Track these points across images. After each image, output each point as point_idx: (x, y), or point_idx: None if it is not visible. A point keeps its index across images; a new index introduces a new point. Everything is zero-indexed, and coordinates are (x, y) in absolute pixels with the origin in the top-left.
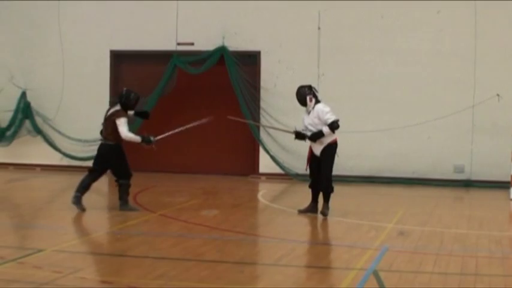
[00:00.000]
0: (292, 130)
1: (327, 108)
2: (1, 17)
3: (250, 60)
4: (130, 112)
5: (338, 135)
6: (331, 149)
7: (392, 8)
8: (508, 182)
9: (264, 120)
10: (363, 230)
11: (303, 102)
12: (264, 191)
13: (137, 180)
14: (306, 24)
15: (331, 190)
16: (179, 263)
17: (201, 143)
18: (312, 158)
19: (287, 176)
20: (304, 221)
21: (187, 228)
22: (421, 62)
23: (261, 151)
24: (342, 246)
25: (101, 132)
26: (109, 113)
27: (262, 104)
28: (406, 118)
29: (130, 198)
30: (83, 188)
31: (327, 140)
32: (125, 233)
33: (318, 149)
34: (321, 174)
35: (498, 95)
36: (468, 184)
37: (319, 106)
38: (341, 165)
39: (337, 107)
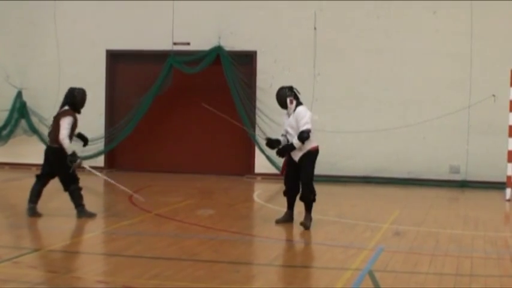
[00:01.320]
0: (265, 136)
1: (307, 114)
2: None
3: (246, 60)
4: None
5: (335, 134)
6: (310, 156)
7: (388, 9)
8: (503, 183)
9: (259, 120)
10: (359, 230)
11: (283, 104)
12: (260, 191)
13: (133, 180)
14: (302, 24)
15: (313, 199)
16: (174, 262)
17: (197, 143)
18: (289, 163)
19: (282, 176)
20: (299, 221)
21: (182, 228)
22: (417, 63)
23: (257, 151)
24: (337, 246)
25: (49, 134)
26: (56, 114)
27: (258, 104)
28: (401, 118)
29: (126, 199)
30: (35, 196)
31: (306, 147)
32: (120, 232)
33: (296, 155)
34: (301, 182)
35: (494, 95)
36: (464, 185)
37: (300, 109)
38: (336, 165)
39: (332, 107)
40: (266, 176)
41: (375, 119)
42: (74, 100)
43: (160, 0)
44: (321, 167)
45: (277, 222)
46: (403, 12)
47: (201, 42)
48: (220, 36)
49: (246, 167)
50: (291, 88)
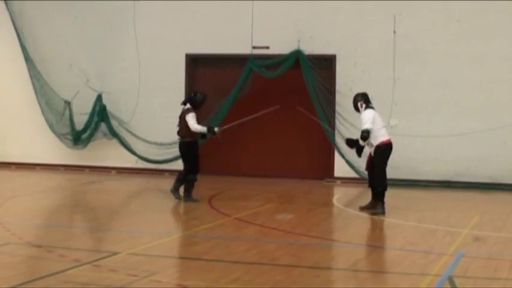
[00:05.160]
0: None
1: (367, 116)
2: (77, 21)
3: (326, 64)
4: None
5: (415, 138)
6: (379, 151)
7: (468, 12)
8: None
9: (339, 124)
10: (439, 236)
11: (355, 108)
12: (339, 195)
13: (212, 184)
14: (381, 28)
15: (382, 188)
16: (254, 267)
17: (276, 147)
18: (370, 158)
19: (362, 180)
20: (379, 225)
21: (262, 232)
22: (497, 66)
23: (336, 155)
24: (417, 251)
25: (178, 133)
26: (181, 113)
27: (338, 108)
28: (482, 122)
29: (205, 202)
30: (178, 180)
31: (375, 142)
32: (200, 236)
33: (371, 150)
34: (373, 174)
35: None
36: None
37: (364, 112)
38: (417, 170)
39: (412, 111)
40: (346, 180)
41: (455, 123)
42: (195, 101)
43: (240, 4)
44: (400, 171)
45: (361, 208)
46: (483, 16)
47: (280, 46)
48: (300, 40)
49: (326, 171)
50: (363, 94)
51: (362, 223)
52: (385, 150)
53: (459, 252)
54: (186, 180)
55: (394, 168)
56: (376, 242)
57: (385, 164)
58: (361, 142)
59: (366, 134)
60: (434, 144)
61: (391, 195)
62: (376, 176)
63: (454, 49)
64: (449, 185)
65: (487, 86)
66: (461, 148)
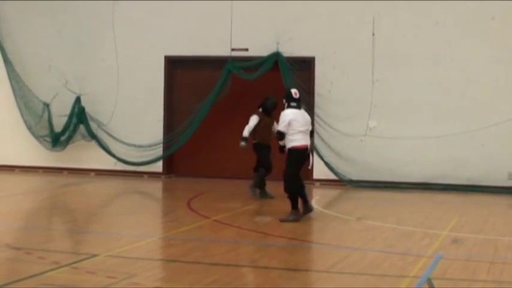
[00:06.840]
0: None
1: (283, 118)
2: (56, 23)
3: (305, 66)
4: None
5: (393, 140)
6: (290, 154)
7: (447, 14)
8: None
9: (318, 126)
10: (417, 237)
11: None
12: (318, 197)
13: (191, 186)
14: (360, 30)
15: (290, 193)
16: (233, 269)
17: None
18: None
19: (341, 182)
20: (358, 227)
21: (241, 234)
22: (475, 69)
23: (315, 157)
24: (395, 253)
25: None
26: None
27: (317, 110)
28: (460, 125)
29: (184, 204)
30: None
31: (288, 145)
32: (179, 238)
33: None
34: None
35: None
36: None
37: (283, 112)
38: (395, 172)
39: (391, 113)
40: (324, 182)
41: (433, 125)
42: (265, 105)
43: (219, 6)
44: (379, 173)
45: (281, 220)
46: (462, 18)
47: (259, 48)
48: (279, 42)
49: (305, 173)
50: (287, 92)
51: (341, 225)
52: (295, 154)
53: (438, 254)
54: (257, 174)
55: (372, 171)
56: (354, 244)
57: (296, 168)
58: (281, 142)
59: (277, 136)
60: (413, 146)
61: (369, 197)
62: (285, 179)
63: (433, 51)
64: (427, 187)
65: (466, 88)
66: (440, 150)
